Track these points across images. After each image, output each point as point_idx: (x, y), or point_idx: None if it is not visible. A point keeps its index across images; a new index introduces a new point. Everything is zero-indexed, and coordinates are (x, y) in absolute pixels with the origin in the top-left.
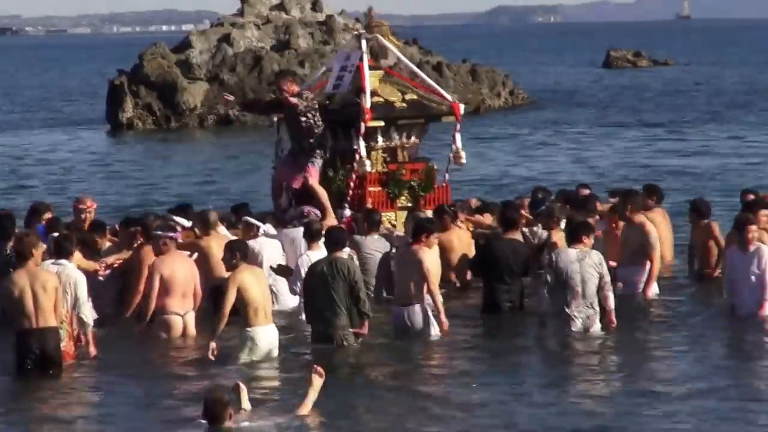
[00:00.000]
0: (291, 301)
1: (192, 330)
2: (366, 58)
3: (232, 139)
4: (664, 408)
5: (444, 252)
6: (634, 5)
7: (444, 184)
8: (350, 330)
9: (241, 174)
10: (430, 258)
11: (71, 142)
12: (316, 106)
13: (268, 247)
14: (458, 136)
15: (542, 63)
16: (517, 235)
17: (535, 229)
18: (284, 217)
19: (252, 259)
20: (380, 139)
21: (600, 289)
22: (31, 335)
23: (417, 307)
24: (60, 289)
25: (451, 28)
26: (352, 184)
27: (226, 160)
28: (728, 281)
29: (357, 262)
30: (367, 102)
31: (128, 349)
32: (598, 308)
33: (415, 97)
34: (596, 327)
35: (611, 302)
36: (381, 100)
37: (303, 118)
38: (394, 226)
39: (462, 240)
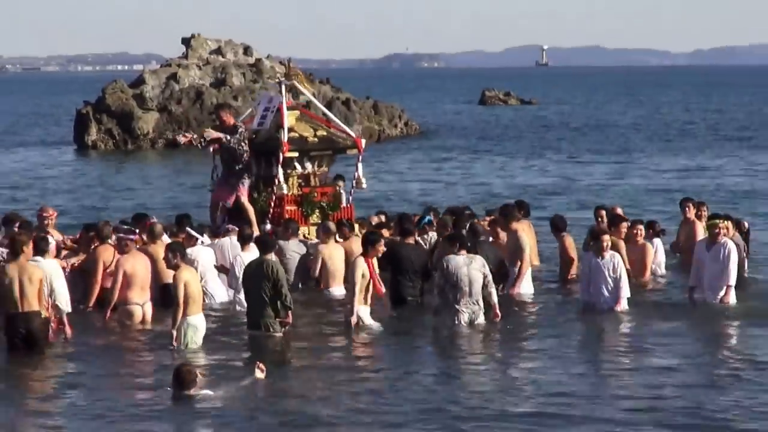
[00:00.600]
0: (220, 297)
1: (149, 318)
2: (284, 101)
3: (179, 159)
4: (527, 390)
5: (347, 256)
6: (503, 53)
7: (349, 205)
8: (276, 319)
9: (186, 189)
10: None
11: (43, 158)
12: (246, 136)
13: (203, 254)
14: (360, 166)
15: (429, 101)
16: (412, 242)
17: (425, 236)
18: (218, 230)
19: (189, 262)
20: (297, 167)
21: (484, 287)
22: (18, 318)
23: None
24: (45, 281)
25: (353, 70)
26: (272, 203)
27: (174, 177)
28: (586, 283)
29: (280, 264)
30: (284, 136)
31: (97, 333)
32: (482, 304)
33: (325, 133)
34: (480, 320)
35: (494, 298)
36: (296, 135)
37: (236, 146)
38: (307, 238)
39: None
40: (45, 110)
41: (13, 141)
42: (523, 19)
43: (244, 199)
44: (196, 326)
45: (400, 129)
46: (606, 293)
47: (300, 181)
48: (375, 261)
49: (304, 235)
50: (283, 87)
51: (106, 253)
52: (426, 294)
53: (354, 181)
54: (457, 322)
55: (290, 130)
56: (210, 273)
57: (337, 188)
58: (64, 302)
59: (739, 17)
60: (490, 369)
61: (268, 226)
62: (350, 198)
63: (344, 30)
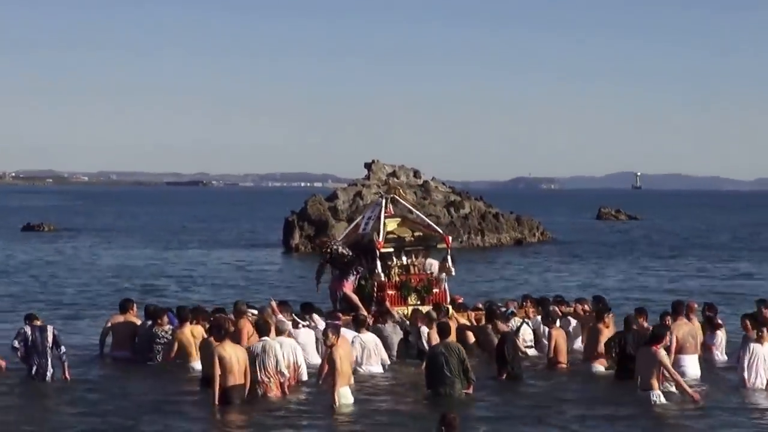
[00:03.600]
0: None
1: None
2: (383, 210)
3: None
4: None
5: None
6: (604, 178)
7: (443, 290)
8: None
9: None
10: None
11: (258, 258)
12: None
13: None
14: (449, 257)
15: (557, 214)
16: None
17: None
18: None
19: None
20: (394, 259)
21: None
22: None
23: None
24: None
25: (486, 190)
26: (375, 288)
27: None
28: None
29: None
30: (380, 237)
31: None
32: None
33: (421, 233)
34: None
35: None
36: (395, 235)
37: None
38: (406, 316)
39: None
40: (255, 220)
41: (238, 243)
42: (619, 148)
43: (347, 290)
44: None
45: (538, 237)
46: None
47: (400, 270)
48: None
49: (404, 314)
50: (383, 199)
51: None
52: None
53: (446, 270)
54: None
55: (390, 232)
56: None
57: (432, 277)
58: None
59: None
60: None
61: (373, 308)
62: (444, 284)
63: (479, 154)
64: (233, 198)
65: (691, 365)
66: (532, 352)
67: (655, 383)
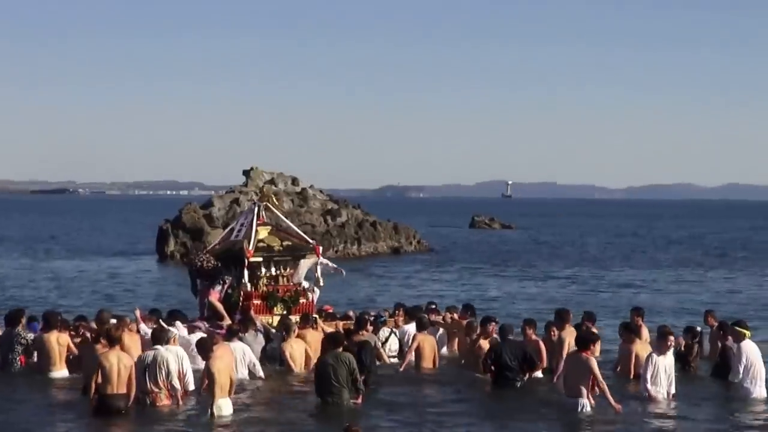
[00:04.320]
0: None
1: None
2: (255, 218)
3: None
4: None
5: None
6: (474, 187)
7: (310, 300)
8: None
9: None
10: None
11: (130, 266)
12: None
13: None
14: (319, 268)
15: (427, 224)
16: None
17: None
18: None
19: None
20: (263, 269)
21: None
22: None
23: None
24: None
25: (356, 198)
26: (242, 298)
27: None
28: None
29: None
30: (250, 245)
31: None
32: None
33: (290, 243)
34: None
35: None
36: (264, 244)
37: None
38: (271, 325)
39: (317, 336)
40: (122, 228)
41: (109, 251)
42: (490, 157)
43: (212, 299)
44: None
45: (414, 246)
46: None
47: (268, 280)
48: None
49: (269, 323)
50: (256, 207)
51: None
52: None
53: (314, 281)
54: None
55: (260, 241)
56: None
57: (300, 287)
58: None
59: (661, 160)
60: None
61: (237, 316)
62: (311, 295)
63: (347, 164)
64: (101, 206)
65: None
66: (395, 361)
67: (583, 390)
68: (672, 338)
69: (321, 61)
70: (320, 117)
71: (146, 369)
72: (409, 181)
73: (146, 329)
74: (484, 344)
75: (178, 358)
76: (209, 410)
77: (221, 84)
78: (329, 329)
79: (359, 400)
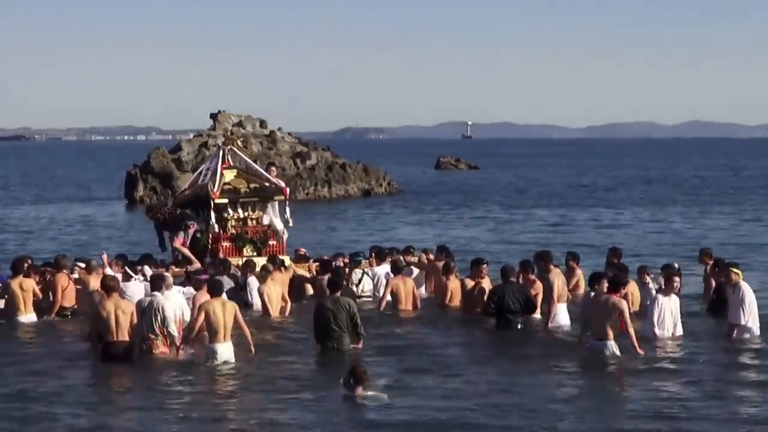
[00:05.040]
0: None
1: None
2: (220, 162)
3: None
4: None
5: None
6: (434, 128)
7: (281, 242)
8: None
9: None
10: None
11: (99, 212)
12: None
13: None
14: (287, 209)
15: (390, 164)
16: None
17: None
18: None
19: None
20: (230, 212)
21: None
22: None
23: None
24: None
25: (315, 140)
26: (210, 241)
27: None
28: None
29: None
30: (215, 187)
31: None
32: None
33: (257, 185)
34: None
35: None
36: (230, 186)
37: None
38: (238, 267)
39: (284, 278)
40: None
41: (76, 197)
42: (450, 98)
43: (177, 245)
44: None
45: (385, 188)
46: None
47: (236, 222)
48: None
49: (237, 266)
50: (221, 151)
51: None
52: None
53: (283, 221)
54: None
55: (227, 184)
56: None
57: (269, 230)
58: None
59: (620, 99)
60: None
61: (208, 259)
62: (283, 236)
63: (305, 106)
64: (59, 153)
65: (563, 314)
66: (370, 302)
67: (610, 333)
68: (678, 279)
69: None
70: (276, 58)
71: (143, 315)
72: (369, 122)
73: (113, 274)
74: (486, 285)
75: (179, 305)
76: (209, 357)
77: (175, 28)
78: (301, 271)
79: (360, 345)
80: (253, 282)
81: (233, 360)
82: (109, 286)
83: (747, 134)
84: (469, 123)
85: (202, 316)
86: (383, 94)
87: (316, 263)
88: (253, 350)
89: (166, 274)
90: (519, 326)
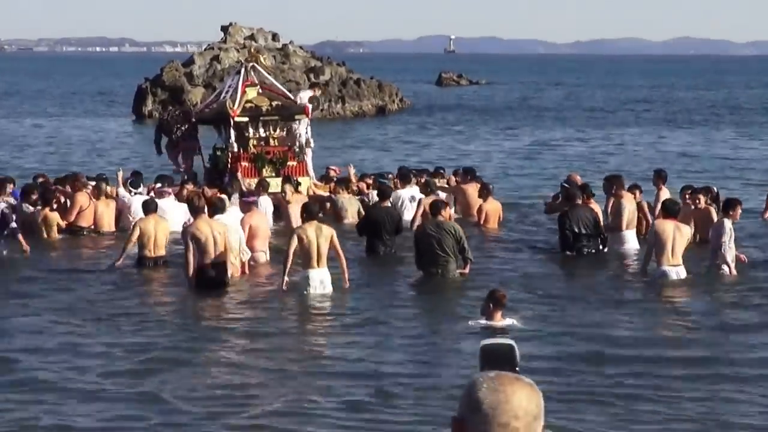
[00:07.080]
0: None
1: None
2: (242, 79)
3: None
4: None
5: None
6: (415, 42)
7: (302, 162)
8: None
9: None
10: None
11: (109, 126)
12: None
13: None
14: (309, 129)
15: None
16: (388, 204)
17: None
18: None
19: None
20: (251, 131)
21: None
22: None
23: None
24: None
25: None
26: (229, 160)
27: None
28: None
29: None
30: (235, 105)
31: None
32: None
33: (279, 103)
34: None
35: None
36: (252, 105)
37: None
38: (249, 188)
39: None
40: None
41: (75, 112)
42: (432, 11)
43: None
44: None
45: (397, 104)
46: None
47: (256, 142)
48: None
49: (247, 185)
50: (243, 68)
51: None
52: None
53: (305, 141)
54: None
55: (248, 101)
56: None
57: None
58: None
59: (607, 15)
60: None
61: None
62: (305, 156)
63: (284, 19)
64: (31, 65)
65: (633, 239)
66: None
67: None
68: (740, 207)
69: None
70: None
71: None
72: (348, 36)
73: (125, 194)
74: (558, 208)
75: (237, 225)
76: (305, 284)
77: None
78: (322, 192)
79: (467, 270)
80: (264, 202)
81: (330, 288)
82: (196, 207)
83: (737, 52)
84: (452, 37)
85: (295, 241)
86: (362, 7)
87: (361, 181)
88: (347, 283)
89: (222, 197)
90: (591, 251)
